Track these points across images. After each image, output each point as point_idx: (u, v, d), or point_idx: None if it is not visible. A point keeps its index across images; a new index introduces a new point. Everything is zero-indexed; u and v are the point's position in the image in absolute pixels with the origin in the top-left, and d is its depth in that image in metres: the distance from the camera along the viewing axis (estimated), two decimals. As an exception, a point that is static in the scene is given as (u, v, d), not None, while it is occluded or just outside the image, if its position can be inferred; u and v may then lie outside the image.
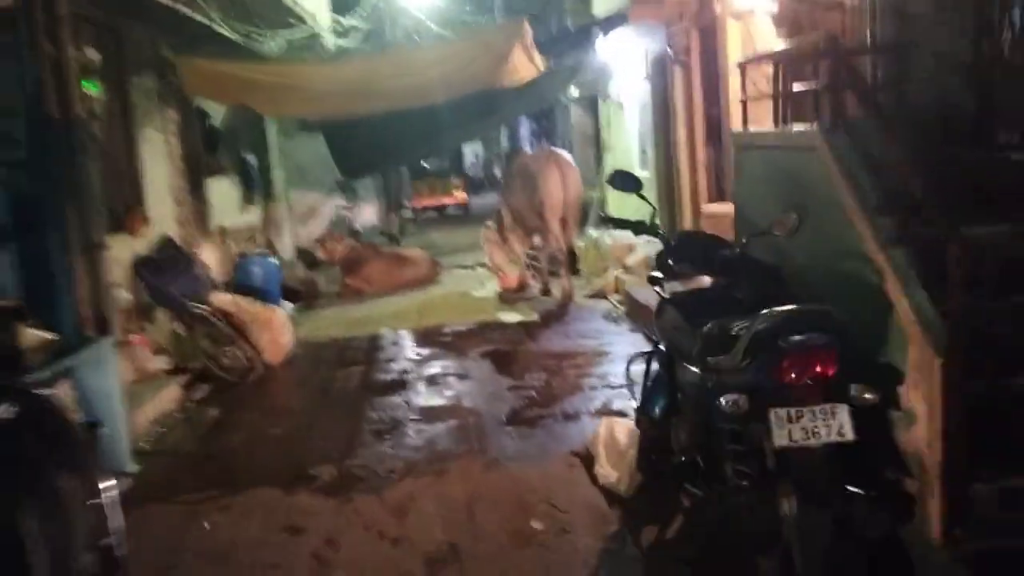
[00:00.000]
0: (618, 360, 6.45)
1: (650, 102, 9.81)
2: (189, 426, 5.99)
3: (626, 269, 9.49)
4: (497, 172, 34.56)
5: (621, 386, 5.26)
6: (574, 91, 14.27)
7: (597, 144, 14.46)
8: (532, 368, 6.75)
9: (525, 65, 8.56)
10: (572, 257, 8.97)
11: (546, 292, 9.88)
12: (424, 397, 6.30)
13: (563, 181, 8.85)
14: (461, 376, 6.76)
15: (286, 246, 12.45)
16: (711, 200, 8.13)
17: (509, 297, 9.97)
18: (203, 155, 9.36)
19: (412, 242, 16.17)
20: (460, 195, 22.21)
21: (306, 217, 14.82)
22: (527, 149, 10.82)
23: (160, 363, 6.68)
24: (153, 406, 6.00)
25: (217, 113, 10.13)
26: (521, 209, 9.46)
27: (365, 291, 11.20)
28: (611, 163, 12.09)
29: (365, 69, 9.59)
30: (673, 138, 8.61)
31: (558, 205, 8.86)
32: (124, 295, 6.76)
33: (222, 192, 10.00)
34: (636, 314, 7.97)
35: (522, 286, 10.17)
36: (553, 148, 10.07)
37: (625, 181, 3.96)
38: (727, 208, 6.35)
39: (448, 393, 6.35)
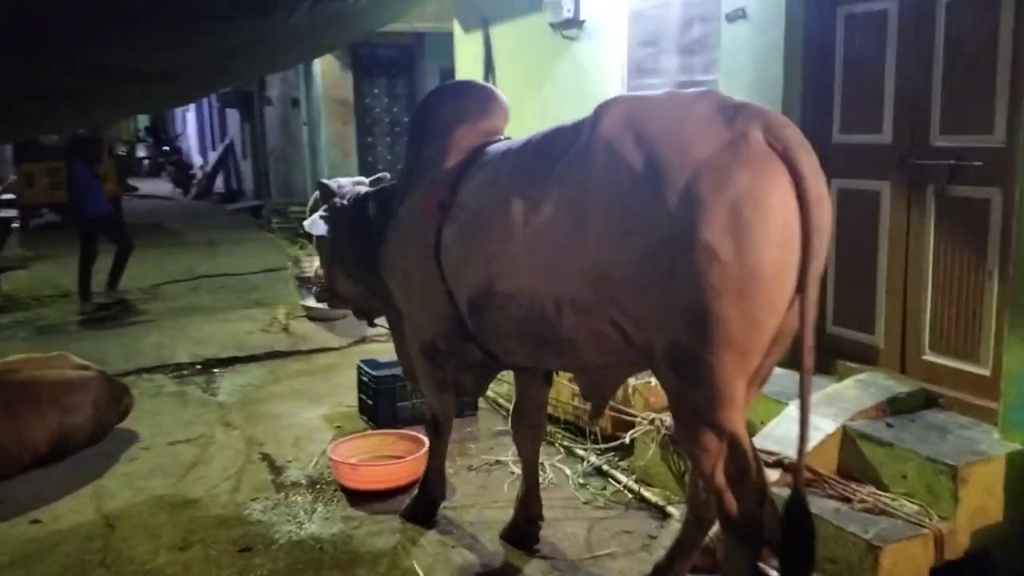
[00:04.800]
0: None
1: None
2: None
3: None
4: (144, 156, 22.23)
5: None
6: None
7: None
8: None
9: None
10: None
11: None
12: None
13: (810, 209, 2.19)
14: None
15: None
16: None
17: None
18: None
19: (22, 285, 7.87)
20: (109, 187, 13.65)
21: None
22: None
23: None
24: None
25: None
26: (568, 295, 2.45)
27: None
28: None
29: None
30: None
31: (779, 292, 2.15)
32: None
33: None
34: None
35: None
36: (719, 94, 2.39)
37: None
38: None
39: None
